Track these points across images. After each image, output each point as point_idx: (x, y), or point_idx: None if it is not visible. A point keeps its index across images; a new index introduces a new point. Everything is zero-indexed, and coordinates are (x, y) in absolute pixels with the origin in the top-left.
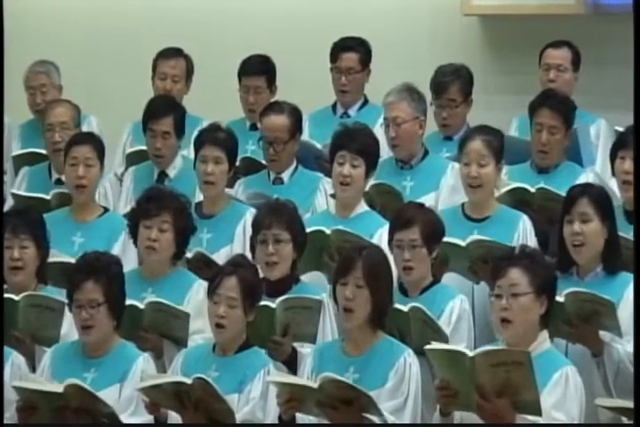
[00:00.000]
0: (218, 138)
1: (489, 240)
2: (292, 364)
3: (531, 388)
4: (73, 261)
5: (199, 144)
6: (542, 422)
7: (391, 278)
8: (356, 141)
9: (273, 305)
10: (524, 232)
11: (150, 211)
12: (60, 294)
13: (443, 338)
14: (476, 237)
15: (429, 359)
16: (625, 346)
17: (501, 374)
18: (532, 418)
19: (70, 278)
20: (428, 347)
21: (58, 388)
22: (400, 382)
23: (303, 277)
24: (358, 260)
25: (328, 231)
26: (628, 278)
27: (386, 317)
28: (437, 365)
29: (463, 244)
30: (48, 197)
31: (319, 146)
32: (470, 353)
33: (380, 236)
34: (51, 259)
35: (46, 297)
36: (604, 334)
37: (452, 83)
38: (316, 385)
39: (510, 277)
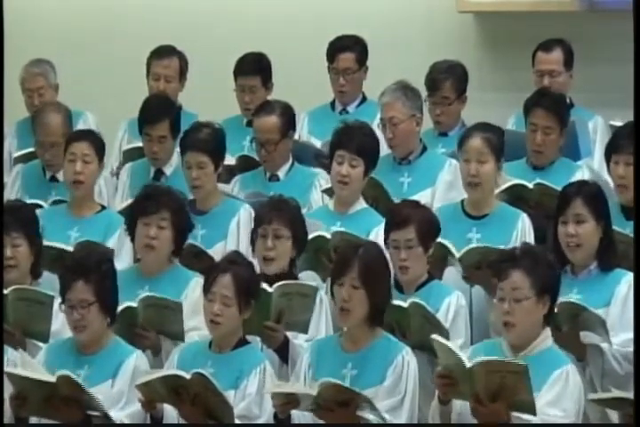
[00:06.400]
0: (199, 140)
1: (482, 246)
2: (283, 352)
3: (526, 392)
4: (68, 248)
5: (182, 148)
6: (536, 420)
7: (389, 276)
8: (355, 141)
9: (270, 289)
10: (522, 230)
11: (149, 208)
12: (53, 288)
13: (443, 333)
14: (470, 246)
15: (434, 348)
16: (611, 345)
17: (497, 380)
18: (525, 417)
19: (61, 278)
20: (434, 337)
21: (50, 378)
22: (398, 381)
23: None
24: (354, 260)
25: (329, 236)
26: (620, 275)
27: (383, 314)
28: (441, 355)
29: (458, 255)
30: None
31: (318, 144)
32: (468, 364)
33: (377, 233)
34: (45, 243)
35: (35, 291)
36: (588, 336)
37: (446, 80)
38: (314, 392)
39: (512, 280)
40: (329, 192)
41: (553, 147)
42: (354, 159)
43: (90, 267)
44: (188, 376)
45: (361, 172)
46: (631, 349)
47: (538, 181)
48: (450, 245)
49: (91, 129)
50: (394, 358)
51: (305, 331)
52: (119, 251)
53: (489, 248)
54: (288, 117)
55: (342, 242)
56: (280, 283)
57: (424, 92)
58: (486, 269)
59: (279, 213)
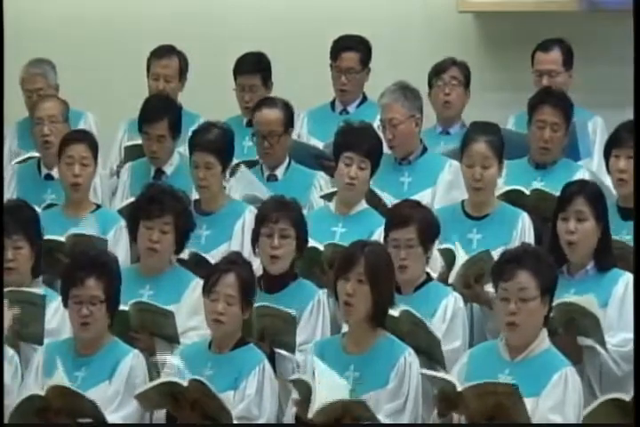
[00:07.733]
0: (208, 141)
1: (465, 262)
2: (271, 364)
3: (522, 412)
4: (61, 239)
5: (191, 148)
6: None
7: (393, 276)
8: (365, 143)
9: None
10: (522, 230)
11: (152, 212)
12: (52, 287)
13: (435, 341)
14: (455, 269)
15: (428, 380)
16: (605, 345)
17: (491, 401)
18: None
19: (69, 274)
20: (424, 372)
21: (40, 391)
22: (401, 384)
23: None
24: (361, 256)
25: (321, 247)
26: (617, 275)
27: (386, 314)
28: (435, 383)
29: (451, 280)
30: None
31: (318, 143)
32: (459, 387)
33: (380, 234)
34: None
35: (27, 292)
36: (584, 338)
37: (454, 65)
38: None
39: (518, 280)
40: (328, 197)
41: (559, 144)
42: (362, 161)
43: (101, 265)
44: (185, 383)
45: (368, 174)
46: (627, 349)
47: (534, 187)
48: (460, 254)
49: (85, 129)
50: (397, 359)
51: (292, 352)
52: (114, 249)
53: (471, 259)
54: (289, 113)
55: (335, 254)
56: (257, 305)
57: (423, 94)
58: (475, 284)
59: (286, 213)
